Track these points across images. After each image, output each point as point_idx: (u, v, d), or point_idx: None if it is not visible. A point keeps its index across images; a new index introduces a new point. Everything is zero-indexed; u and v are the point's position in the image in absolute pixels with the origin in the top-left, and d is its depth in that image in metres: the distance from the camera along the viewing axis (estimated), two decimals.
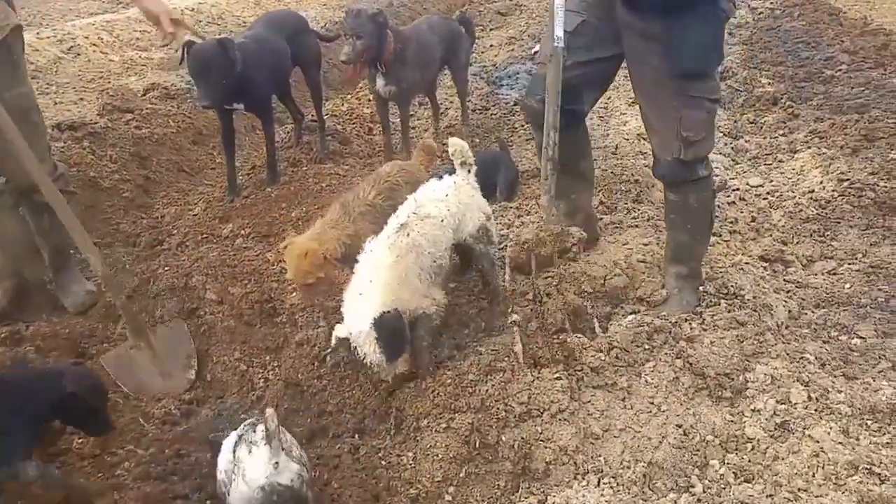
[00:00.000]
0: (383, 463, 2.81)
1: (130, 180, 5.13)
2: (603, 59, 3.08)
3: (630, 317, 3.11)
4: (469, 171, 3.14)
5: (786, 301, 3.46)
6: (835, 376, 2.86)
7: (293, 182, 4.79)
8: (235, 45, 4.35)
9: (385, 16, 4.67)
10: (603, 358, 2.90)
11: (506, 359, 2.90)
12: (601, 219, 3.97)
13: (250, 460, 2.20)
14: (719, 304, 3.23)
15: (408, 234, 2.90)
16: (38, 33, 7.39)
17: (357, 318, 2.74)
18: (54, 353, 3.58)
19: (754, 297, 3.28)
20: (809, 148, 5.28)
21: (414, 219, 2.94)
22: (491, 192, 3.63)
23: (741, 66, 7.07)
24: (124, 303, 3.46)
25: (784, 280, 3.74)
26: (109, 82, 6.63)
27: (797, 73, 6.77)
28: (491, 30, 9.94)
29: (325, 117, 5.62)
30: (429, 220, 2.96)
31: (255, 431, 2.26)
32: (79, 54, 7.19)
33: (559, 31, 2.77)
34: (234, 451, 2.26)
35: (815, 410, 2.60)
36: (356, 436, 2.99)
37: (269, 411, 2.20)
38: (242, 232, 4.32)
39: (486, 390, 2.77)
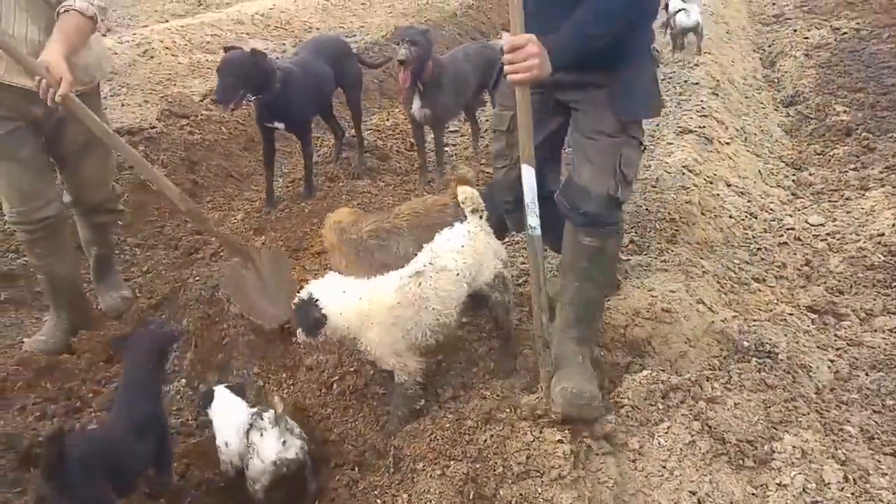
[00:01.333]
0: (378, 502, 2.70)
1: (179, 184, 5.13)
2: (548, 134, 3.04)
3: (645, 372, 2.91)
4: (481, 217, 2.99)
5: (832, 361, 3.17)
6: (882, 455, 2.59)
7: (328, 198, 4.76)
8: (278, 70, 4.49)
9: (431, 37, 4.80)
10: (613, 416, 2.72)
11: (507, 410, 2.75)
12: (628, 259, 3.74)
13: (262, 442, 2.66)
14: (749, 362, 2.97)
15: (419, 285, 2.79)
16: (119, 37, 7.62)
17: (315, 290, 2.76)
18: (87, 354, 3.68)
19: (790, 357, 3.01)
20: (883, 186, 4.90)
21: (430, 270, 2.82)
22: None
23: (814, 91, 6.66)
24: (220, 232, 3.85)
25: (834, 336, 3.42)
26: (175, 84, 6.77)
27: (879, 101, 6.33)
28: None
29: (366, 133, 5.63)
30: (444, 274, 2.81)
31: (262, 418, 2.70)
32: (152, 57, 7.36)
33: (532, 221, 2.56)
34: (247, 436, 2.70)
35: (852, 494, 2.36)
36: (355, 468, 2.89)
37: (277, 398, 2.72)
38: (274, 245, 4.30)
39: (485, 440, 2.63)
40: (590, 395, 2.63)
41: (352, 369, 3.20)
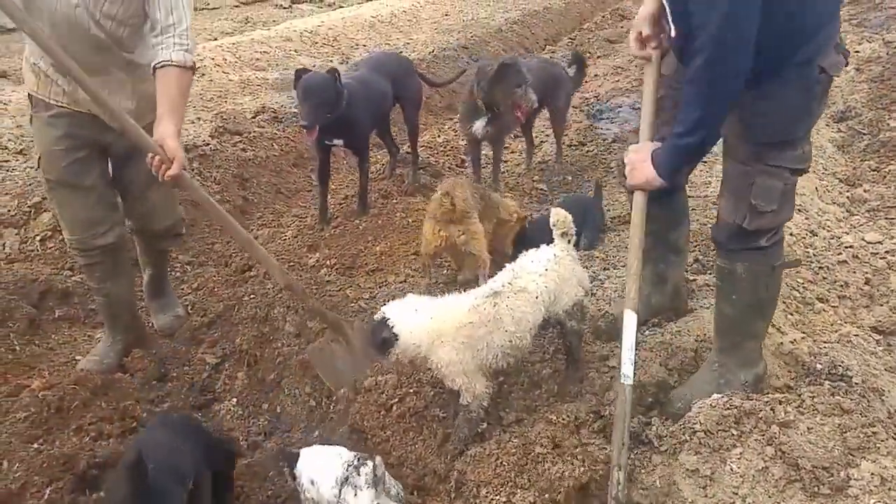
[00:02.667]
0: None
1: (230, 201, 5.18)
2: None
3: (716, 396, 2.78)
4: (569, 242, 2.90)
5: None
6: None
7: (382, 215, 4.69)
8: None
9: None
10: (685, 441, 2.60)
11: (573, 436, 2.65)
12: (694, 279, 3.60)
13: (355, 501, 2.35)
14: (822, 385, 2.82)
15: (495, 305, 2.70)
16: None
17: (388, 310, 2.69)
18: (140, 372, 3.63)
19: (864, 381, 2.85)
20: None
21: (508, 290, 2.73)
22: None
23: (867, 105, 6.42)
24: (316, 306, 3.49)
25: None
26: (226, 101, 6.79)
27: None
28: (598, 57, 9.63)
29: (419, 149, 5.53)
30: (522, 295, 2.72)
31: (358, 474, 2.38)
32: (203, 74, 7.41)
33: (626, 369, 2.46)
34: (339, 491, 2.39)
35: None
36: (415, 493, 2.80)
37: (378, 459, 2.38)
38: (328, 262, 4.24)
39: (555, 471, 2.51)
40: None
41: (411, 391, 3.08)
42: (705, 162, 5.25)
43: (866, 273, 3.98)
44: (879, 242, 4.36)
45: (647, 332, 3.20)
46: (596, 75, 8.36)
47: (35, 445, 3.00)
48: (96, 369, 3.58)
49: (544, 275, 2.80)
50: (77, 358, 3.74)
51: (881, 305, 3.68)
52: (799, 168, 2.51)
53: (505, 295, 2.73)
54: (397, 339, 2.63)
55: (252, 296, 3.94)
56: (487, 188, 4.43)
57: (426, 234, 3.74)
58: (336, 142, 4.65)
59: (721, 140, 2.68)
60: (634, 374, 2.52)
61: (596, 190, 4.11)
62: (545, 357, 3.18)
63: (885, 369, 3.09)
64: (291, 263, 4.30)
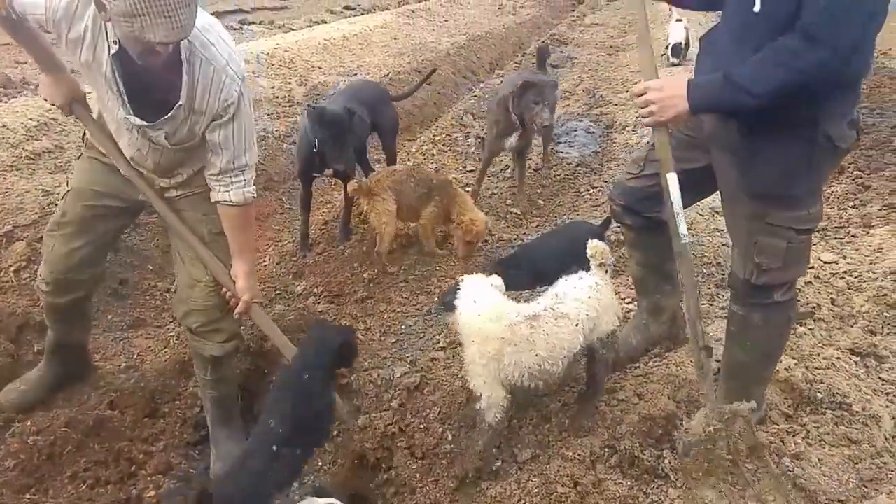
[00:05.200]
0: None
1: None
2: (684, 171, 2.57)
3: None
4: (606, 272, 2.78)
5: (886, 405, 3.01)
6: None
7: (365, 241, 4.47)
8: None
9: None
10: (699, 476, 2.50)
11: (590, 472, 2.52)
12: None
13: None
14: (824, 414, 2.79)
15: (531, 328, 2.55)
16: None
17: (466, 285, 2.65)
18: (130, 409, 3.34)
19: (863, 409, 2.82)
20: (887, 224, 4.77)
21: (548, 315, 2.59)
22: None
23: None
24: None
25: (880, 379, 3.23)
26: None
27: (863, 141, 6.27)
28: None
29: None
30: (562, 321, 2.58)
31: None
32: None
33: (683, 228, 2.35)
34: None
35: None
36: None
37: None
38: (315, 290, 4.02)
39: None
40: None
41: (421, 426, 2.93)
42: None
43: (830, 294, 3.99)
44: (835, 262, 4.40)
45: (650, 364, 3.11)
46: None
47: (28, 496, 2.74)
48: (19, 401, 3.22)
49: (586, 302, 2.66)
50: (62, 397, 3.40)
51: (852, 327, 3.68)
52: (804, 228, 2.35)
53: (544, 319, 2.58)
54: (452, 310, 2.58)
55: (243, 327, 3.67)
56: (450, 184, 4.57)
57: None
58: (326, 173, 4.43)
59: (719, 192, 2.61)
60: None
61: (605, 221, 3.97)
62: (552, 390, 3.04)
63: (872, 392, 3.07)
64: (278, 292, 4.07)
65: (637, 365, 3.13)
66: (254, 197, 2.73)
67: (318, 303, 3.90)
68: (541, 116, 4.61)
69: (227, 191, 2.68)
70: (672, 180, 2.32)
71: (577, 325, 2.59)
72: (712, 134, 2.48)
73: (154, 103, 2.50)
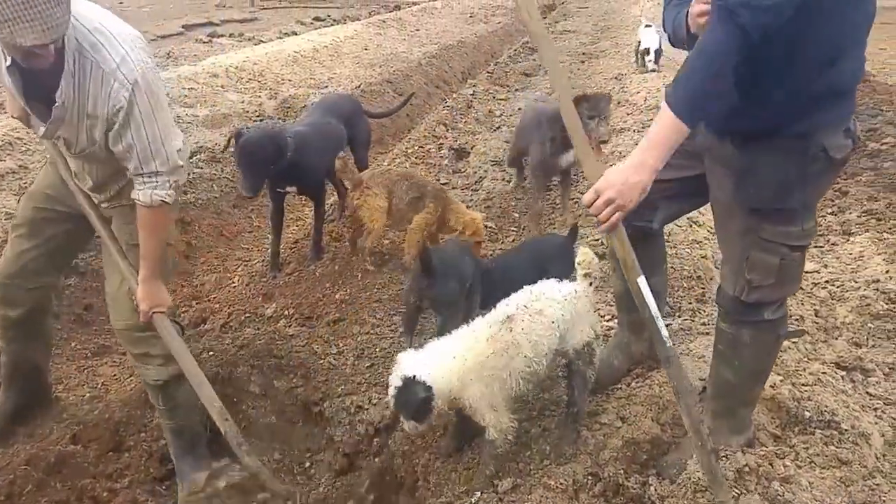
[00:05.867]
0: None
1: (173, 245, 4.75)
2: (676, 179, 2.54)
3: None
4: (591, 285, 2.71)
5: (875, 422, 2.95)
6: None
7: (336, 260, 4.35)
8: (287, 134, 4.11)
9: None
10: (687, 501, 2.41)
11: (573, 503, 2.42)
12: (669, 324, 3.46)
13: None
14: (813, 434, 2.70)
15: (511, 330, 2.50)
16: None
17: (406, 369, 2.40)
18: (94, 442, 3.20)
19: (852, 427, 2.74)
20: (867, 231, 4.77)
21: (523, 313, 2.54)
22: None
23: None
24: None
25: (867, 394, 3.17)
26: None
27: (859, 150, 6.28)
28: (516, 90, 9.57)
29: None
30: (539, 318, 2.53)
31: None
32: None
33: (665, 332, 2.20)
34: None
35: None
36: None
37: None
38: (286, 313, 3.88)
39: None
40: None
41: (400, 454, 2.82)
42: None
43: (814, 305, 3.94)
44: (817, 272, 4.36)
45: (633, 385, 3.03)
46: (519, 109, 8.26)
47: None
48: None
49: (561, 302, 2.61)
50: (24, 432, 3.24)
51: (836, 339, 3.63)
52: (798, 245, 2.26)
53: (520, 318, 2.53)
54: (433, 395, 2.37)
55: (211, 353, 3.56)
56: (444, 191, 4.57)
57: None
58: (289, 189, 4.34)
59: (711, 204, 2.52)
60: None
61: (571, 231, 3.87)
62: (532, 415, 2.94)
63: (860, 408, 3.01)
64: (248, 314, 3.93)
65: (619, 386, 3.04)
66: (163, 201, 2.58)
67: (289, 325, 3.77)
68: (597, 132, 4.39)
69: (140, 189, 2.57)
70: (643, 285, 2.18)
71: (552, 323, 2.55)
72: (704, 145, 2.39)
73: (50, 109, 2.45)
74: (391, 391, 2.41)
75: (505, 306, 2.60)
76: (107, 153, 2.54)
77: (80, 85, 2.38)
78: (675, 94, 2.01)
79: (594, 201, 2.08)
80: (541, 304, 2.58)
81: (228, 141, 4.01)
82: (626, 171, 2.07)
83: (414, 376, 2.35)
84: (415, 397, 2.35)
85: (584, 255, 2.70)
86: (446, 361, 2.43)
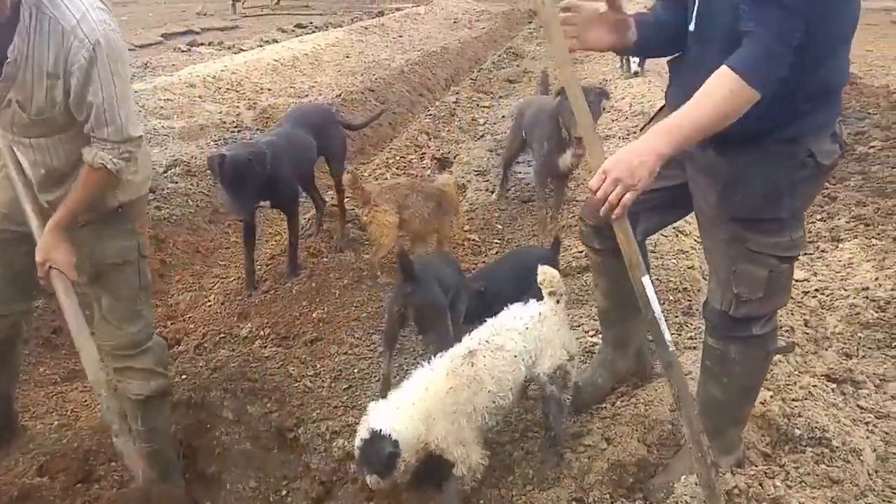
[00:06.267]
0: None
1: (149, 262, 4.66)
2: (659, 189, 2.41)
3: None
4: (558, 302, 2.64)
5: (867, 436, 2.90)
6: None
7: (314, 276, 4.25)
8: (263, 147, 4.01)
9: None
10: None
11: None
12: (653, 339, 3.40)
13: None
14: (804, 452, 2.65)
15: (472, 365, 2.44)
16: None
17: (372, 422, 2.32)
18: (61, 473, 3.09)
19: (843, 444, 2.68)
20: (856, 237, 4.74)
21: (484, 348, 2.49)
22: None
23: None
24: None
25: (858, 407, 3.13)
26: None
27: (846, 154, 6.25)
28: (500, 97, 9.53)
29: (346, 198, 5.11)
30: (500, 353, 2.48)
31: None
32: None
33: (668, 336, 2.14)
34: None
35: None
36: None
37: None
38: (262, 333, 3.79)
39: None
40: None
41: None
42: None
43: (804, 315, 3.90)
44: (806, 280, 4.33)
45: (618, 403, 2.96)
46: (503, 116, 8.22)
47: None
48: None
49: (524, 333, 2.55)
50: None
51: (826, 350, 3.59)
52: (787, 256, 2.20)
53: (481, 353, 2.48)
54: (399, 450, 2.29)
55: (184, 376, 3.46)
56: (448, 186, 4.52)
57: None
58: (262, 203, 4.23)
59: (696, 215, 2.46)
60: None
61: (554, 243, 3.81)
62: (514, 437, 2.87)
63: (851, 422, 2.96)
64: (222, 335, 3.84)
65: (604, 405, 2.98)
66: (104, 165, 2.44)
67: (265, 346, 3.68)
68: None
69: (88, 147, 2.46)
70: (647, 284, 2.12)
71: (515, 357, 2.50)
72: (686, 153, 2.29)
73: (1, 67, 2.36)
74: (357, 442, 2.33)
75: (468, 340, 2.55)
76: (65, 118, 2.44)
77: (36, 41, 2.30)
78: (742, 62, 1.90)
79: (601, 183, 2.01)
80: (501, 338, 2.52)
81: (213, 167, 3.87)
82: (635, 149, 2.02)
83: (380, 430, 2.27)
84: (380, 453, 2.27)
85: (543, 273, 2.63)
86: (409, 410, 2.36)
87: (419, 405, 2.38)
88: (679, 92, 2.28)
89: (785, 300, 2.38)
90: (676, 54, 2.36)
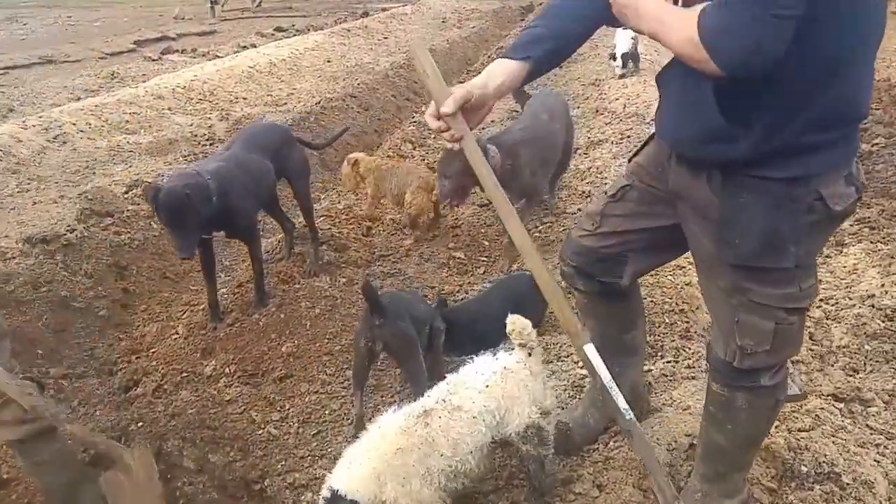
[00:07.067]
0: None
1: (107, 296, 4.47)
2: (647, 229, 2.30)
3: None
4: (529, 354, 2.43)
5: (876, 462, 2.71)
6: None
7: (284, 305, 4.05)
8: (207, 176, 3.73)
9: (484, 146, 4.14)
10: None
11: None
12: (650, 370, 3.21)
13: None
14: (812, 490, 2.48)
15: (426, 425, 2.26)
16: (24, 122, 6.81)
17: (332, 481, 2.22)
18: None
19: (854, 478, 2.52)
20: (860, 242, 4.57)
21: (440, 408, 2.30)
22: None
23: None
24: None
25: (867, 428, 2.93)
26: (94, 173, 6.04)
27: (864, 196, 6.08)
28: None
29: (318, 220, 4.93)
30: (457, 415, 2.28)
31: None
32: (65, 142, 6.61)
33: (622, 403, 2.07)
34: None
35: None
36: None
37: None
38: (227, 370, 3.60)
39: None
40: None
41: None
42: None
43: (808, 327, 3.72)
44: None
45: (610, 445, 2.78)
46: (493, 122, 8.04)
47: None
48: None
49: (484, 392, 2.35)
50: None
51: (832, 366, 3.43)
52: (795, 307, 1.97)
53: (437, 414, 2.29)
54: None
55: (140, 423, 3.28)
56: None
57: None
58: (215, 233, 3.99)
59: (692, 255, 2.25)
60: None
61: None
62: (499, 485, 2.69)
63: (858, 445, 2.78)
64: (185, 374, 3.65)
65: (595, 447, 2.80)
66: None
67: (230, 385, 3.49)
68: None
69: None
70: (590, 351, 2.00)
71: (473, 418, 2.30)
72: (677, 188, 2.11)
73: None
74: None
75: (427, 398, 2.37)
76: None
77: None
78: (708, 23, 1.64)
79: None
80: (458, 398, 2.33)
81: (147, 199, 3.65)
82: None
83: (336, 491, 2.16)
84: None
85: (513, 322, 2.41)
86: (363, 467, 2.22)
87: (372, 463, 2.23)
88: (657, 117, 2.12)
89: (797, 350, 2.17)
90: (661, 69, 2.18)
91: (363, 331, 3.02)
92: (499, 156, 4.19)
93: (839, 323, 3.81)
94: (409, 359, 3.03)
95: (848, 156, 1.85)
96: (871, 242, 4.57)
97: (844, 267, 4.38)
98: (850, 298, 4.01)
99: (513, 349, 2.49)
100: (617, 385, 2.80)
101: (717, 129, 1.81)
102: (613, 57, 8.64)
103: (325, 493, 2.21)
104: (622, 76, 8.56)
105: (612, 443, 2.78)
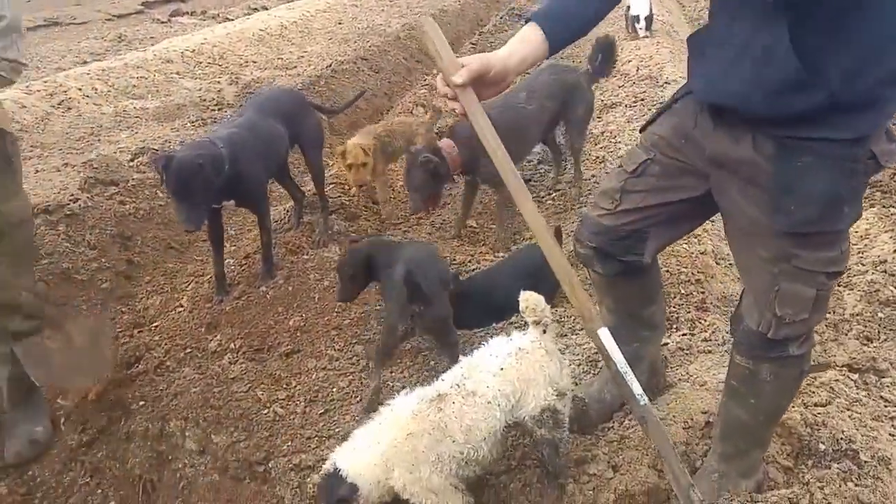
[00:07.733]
0: None
1: (110, 267, 4.39)
2: (670, 203, 2.21)
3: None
4: (544, 332, 2.33)
5: (892, 435, 2.60)
6: None
7: (292, 277, 3.93)
8: (220, 144, 3.62)
9: (429, 157, 3.98)
10: None
11: None
12: (666, 343, 3.09)
13: None
14: (829, 468, 2.38)
15: (439, 410, 2.19)
16: (28, 87, 6.70)
17: (336, 459, 2.22)
18: None
19: (872, 455, 2.42)
20: (872, 206, 4.43)
21: (455, 393, 2.23)
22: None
23: None
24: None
25: (882, 400, 2.84)
26: (99, 139, 5.94)
27: None
28: None
29: (327, 188, 4.80)
30: (471, 400, 2.21)
31: None
32: (70, 108, 6.50)
33: (637, 388, 1.98)
34: None
35: None
36: None
37: None
38: (232, 346, 3.51)
39: None
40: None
41: None
42: None
43: None
44: None
45: (626, 424, 2.68)
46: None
47: None
48: None
49: (499, 375, 2.26)
50: None
51: (847, 335, 3.32)
52: (836, 271, 1.93)
53: (451, 399, 2.22)
54: (357, 489, 2.12)
55: (142, 402, 3.21)
56: None
57: None
58: (225, 203, 3.86)
59: (726, 235, 2.18)
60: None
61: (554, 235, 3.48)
62: (511, 466, 2.59)
63: (874, 419, 2.68)
64: (189, 350, 3.56)
65: (610, 426, 2.70)
66: None
67: (236, 361, 3.40)
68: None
69: None
70: (605, 336, 1.93)
71: (488, 404, 2.22)
72: (717, 156, 2.01)
73: None
74: (317, 478, 2.19)
75: (442, 382, 2.29)
76: None
77: None
78: None
79: None
80: (473, 383, 2.24)
81: (157, 171, 3.51)
82: None
83: (338, 470, 2.11)
84: (333, 495, 2.11)
85: (526, 299, 2.30)
86: (370, 451, 2.18)
87: (381, 447, 2.17)
88: (701, 79, 1.98)
89: (823, 316, 2.09)
90: (695, 31, 2.05)
91: (402, 317, 2.98)
92: (455, 151, 4.03)
93: (852, 290, 3.71)
94: (446, 335, 3.05)
95: (893, 111, 1.80)
96: (884, 206, 4.47)
97: (856, 232, 4.25)
98: (863, 264, 3.91)
99: (525, 326, 2.39)
100: (636, 361, 2.74)
101: (793, 78, 1.71)
102: (637, 19, 8.37)
103: (328, 466, 2.19)
104: (644, 37, 8.32)
105: (627, 421, 2.69)
